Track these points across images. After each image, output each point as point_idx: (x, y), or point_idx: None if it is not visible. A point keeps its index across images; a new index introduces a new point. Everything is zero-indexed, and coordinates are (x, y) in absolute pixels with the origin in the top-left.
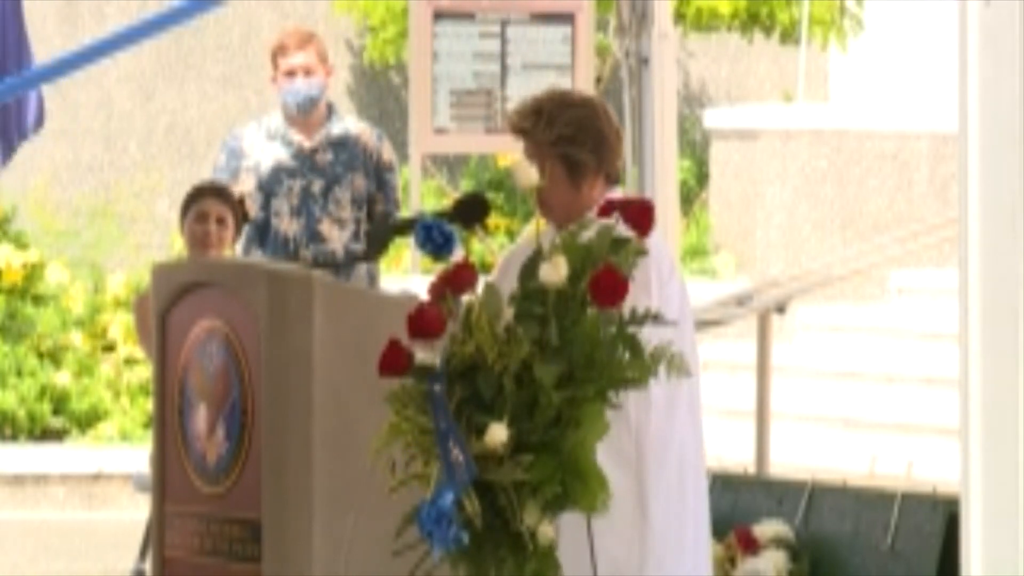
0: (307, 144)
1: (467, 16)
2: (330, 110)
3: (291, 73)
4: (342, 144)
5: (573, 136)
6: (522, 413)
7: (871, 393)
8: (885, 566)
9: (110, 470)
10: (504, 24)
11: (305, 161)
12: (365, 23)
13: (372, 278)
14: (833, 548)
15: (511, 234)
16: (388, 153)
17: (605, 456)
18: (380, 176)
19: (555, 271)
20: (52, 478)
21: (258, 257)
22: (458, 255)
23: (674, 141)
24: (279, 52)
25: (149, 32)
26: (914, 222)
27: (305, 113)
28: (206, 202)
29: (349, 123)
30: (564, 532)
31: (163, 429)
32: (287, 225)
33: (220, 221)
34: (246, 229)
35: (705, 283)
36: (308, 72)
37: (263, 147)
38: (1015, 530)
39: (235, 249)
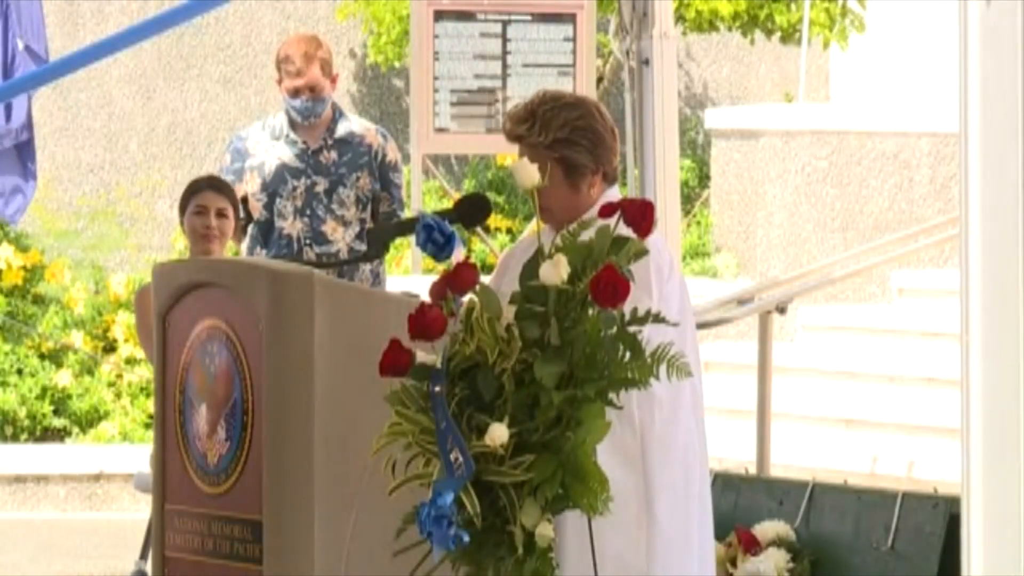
0: (312, 144)
1: (468, 16)
2: (335, 110)
3: (296, 92)
4: (347, 143)
5: (569, 138)
6: (523, 413)
7: (872, 393)
8: (886, 566)
9: (111, 470)
10: (505, 24)
11: (309, 161)
12: (371, 27)
13: (377, 277)
14: (834, 548)
15: (512, 234)
16: (393, 152)
17: (610, 456)
18: (385, 175)
19: (555, 271)
20: (53, 478)
21: (262, 257)
22: (459, 255)
23: (675, 141)
24: (284, 63)
25: (150, 32)
26: (915, 222)
27: (311, 122)
28: (204, 195)
29: (354, 122)
30: (568, 532)
31: (164, 429)
32: (291, 225)
33: (220, 214)
34: (251, 229)
35: (706, 283)
36: (313, 90)
37: (267, 147)
38: (1016, 530)
39: (240, 249)
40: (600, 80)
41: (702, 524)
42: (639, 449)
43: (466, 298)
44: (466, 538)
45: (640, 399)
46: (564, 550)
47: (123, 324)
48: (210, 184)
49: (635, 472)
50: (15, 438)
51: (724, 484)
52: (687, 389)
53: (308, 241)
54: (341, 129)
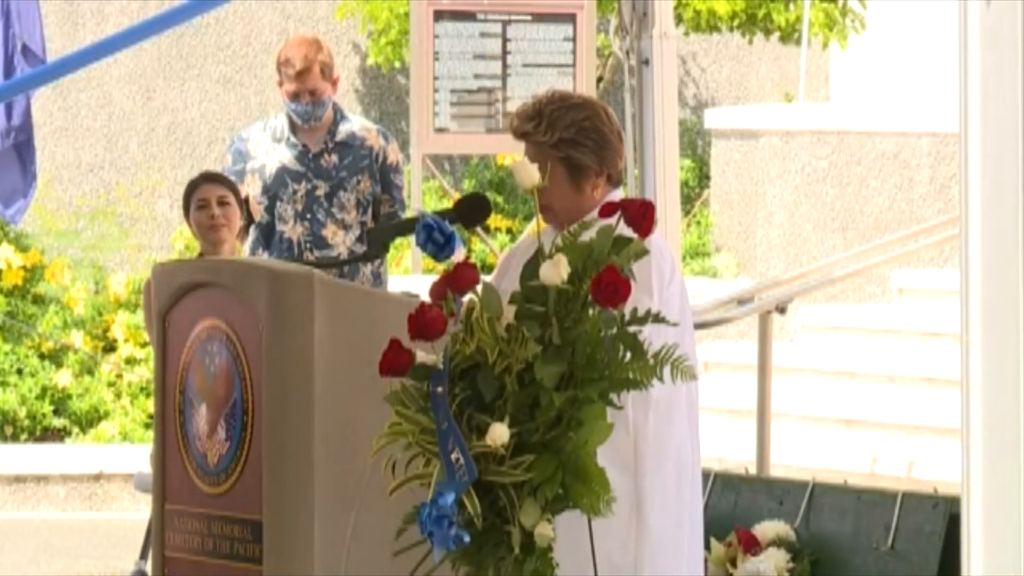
0: (312, 147)
1: (468, 16)
2: (336, 112)
3: (296, 96)
4: (347, 146)
5: (574, 138)
6: (523, 413)
7: (872, 393)
8: (886, 566)
9: (111, 470)
10: (505, 24)
11: (310, 164)
12: (369, 27)
13: (378, 277)
14: (834, 548)
15: (512, 234)
16: (394, 154)
17: (603, 457)
18: (386, 177)
19: (556, 270)
20: (53, 478)
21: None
22: (459, 255)
23: (675, 141)
24: (284, 65)
25: (150, 32)
26: (915, 222)
27: (311, 125)
28: (203, 189)
29: (355, 124)
30: (562, 533)
31: (164, 429)
32: (291, 229)
33: (222, 202)
34: (252, 232)
35: (706, 283)
36: (313, 94)
37: (268, 149)
38: (1016, 530)
39: (243, 250)
40: (600, 80)
41: (692, 528)
42: (632, 450)
43: (466, 298)
44: (466, 538)
45: (636, 401)
46: (556, 551)
47: (123, 324)
48: (206, 178)
49: (628, 474)
50: (15, 438)
51: (724, 484)
52: (683, 391)
53: (308, 245)
54: (342, 131)
